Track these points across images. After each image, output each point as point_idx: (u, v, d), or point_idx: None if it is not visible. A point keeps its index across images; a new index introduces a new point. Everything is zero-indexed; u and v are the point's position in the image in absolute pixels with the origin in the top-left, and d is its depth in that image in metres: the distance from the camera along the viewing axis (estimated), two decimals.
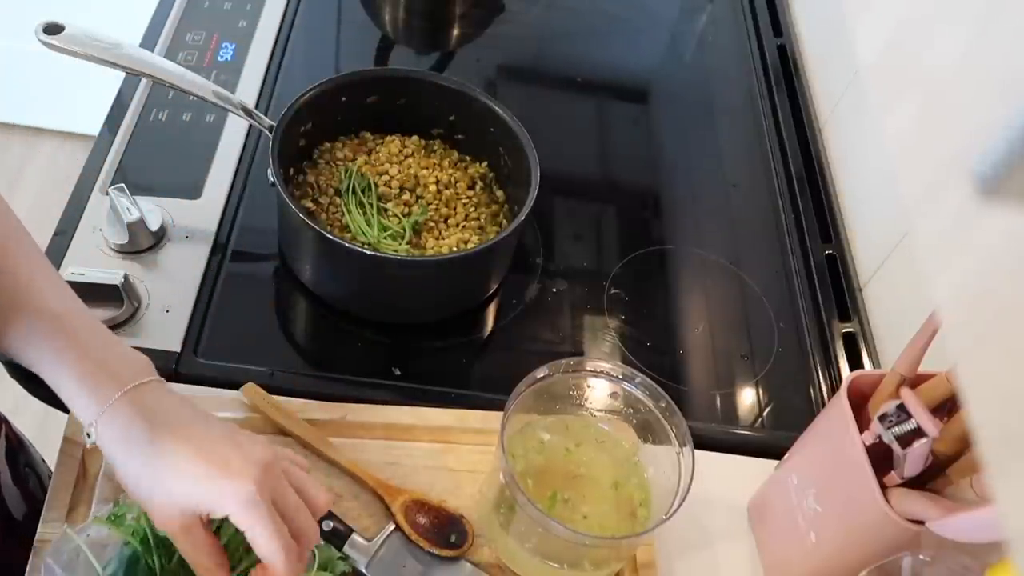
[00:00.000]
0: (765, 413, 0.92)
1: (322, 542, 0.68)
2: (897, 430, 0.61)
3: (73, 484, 0.73)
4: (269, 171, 0.84)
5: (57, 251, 0.88)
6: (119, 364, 0.59)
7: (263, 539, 0.55)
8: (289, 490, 0.58)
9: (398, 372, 0.86)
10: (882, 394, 0.66)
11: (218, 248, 0.91)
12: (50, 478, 0.73)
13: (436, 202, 0.94)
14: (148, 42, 1.09)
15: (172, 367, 0.82)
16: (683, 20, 1.37)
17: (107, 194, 0.88)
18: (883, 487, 0.62)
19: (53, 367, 0.58)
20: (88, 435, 0.57)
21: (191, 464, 0.55)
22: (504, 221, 0.95)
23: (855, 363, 0.95)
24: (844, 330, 0.98)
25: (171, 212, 0.92)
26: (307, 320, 0.92)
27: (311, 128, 0.92)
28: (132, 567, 0.61)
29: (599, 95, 1.22)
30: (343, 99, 0.93)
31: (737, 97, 1.24)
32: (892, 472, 0.62)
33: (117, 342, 0.61)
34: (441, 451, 0.80)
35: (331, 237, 0.80)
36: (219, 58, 1.08)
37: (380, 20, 1.27)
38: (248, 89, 1.06)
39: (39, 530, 0.70)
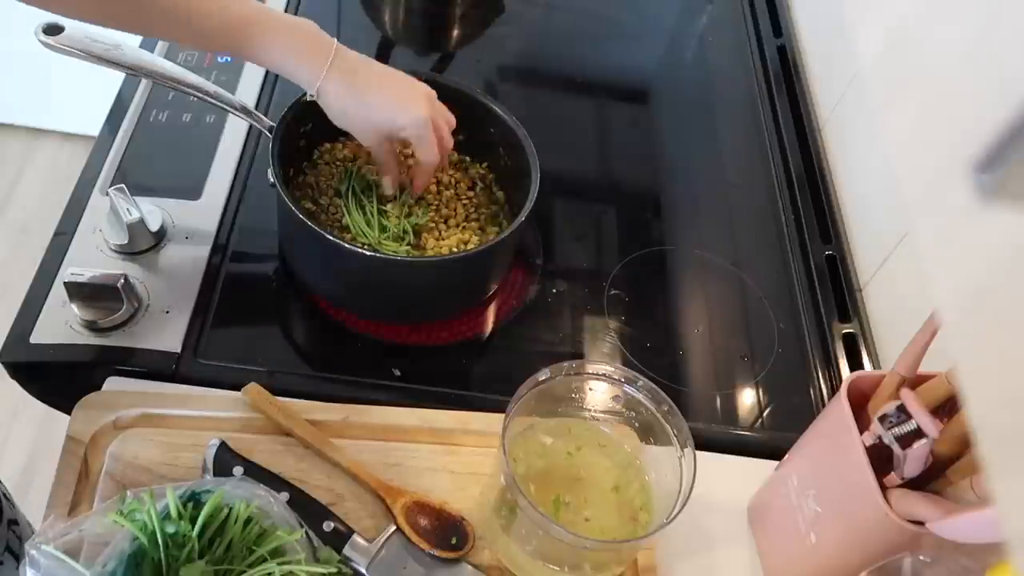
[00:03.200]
0: (765, 414, 0.91)
1: (287, 512, 0.67)
2: (897, 431, 0.61)
3: (75, 483, 0.73)
4: (269, 172, 0.84)
5: (57, 252, 0.88)
6: (316, 38, 0.80)
7: (428, 147, 0.83)
8: (442, 118, 0.86)
9: (398, 373, 0.86)
10: (882, 395, 0.66)
11: (218, 249, 0.91)
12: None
13: (436, 203, 0.94)
14: (148, 42, 1.09)
15: (172, 367, 0.82)
16: (683, 21, 1.37)
17: (107, 195, 0.88)
18: (883, 488, 0.62)
19: (277, 55, 0.79)
20: (312, 96, 0.81)
21: (386, 99, 0.82)
22: (504, 222, 0.95)
23: (855, 364, 0.95)
24: (844, 331, 0.98)
25: (171, 213, 0.92)
26: (307, 321, 0.92)
27: (311, 129, 0.92)
28: (133, 565, 0.61)
29: (599, 96, 1.22)
30: None
31: (737, 97, 1.24)
32: (892, 473, 0.62)
33: (302, 21, 0.81)
34: (443, 453, 0.80)
35: (331, 238, 0.80)
36: (219, 58, 1.08)
37: (380, 21, 1.27)
38: (248, 89, 1.06)
39: (40, 529, 0.70)
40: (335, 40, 0.81)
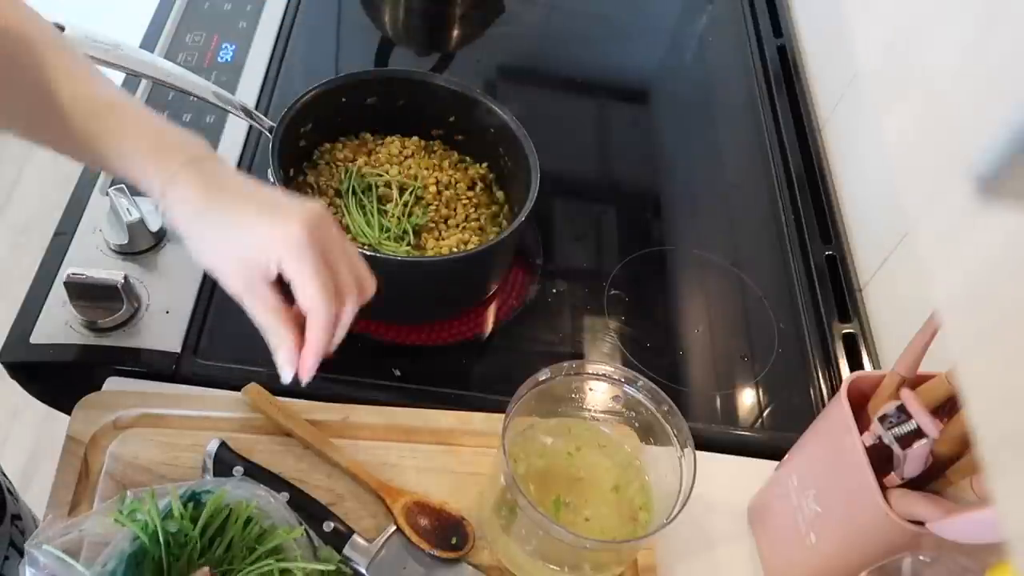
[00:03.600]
0: (765, 414, 0.91)
1: (287, 513, 0.67)
2: (897, 431, 0.61)
3: (75, 483, 0.73)
4: (269, 172, 0.84)
5: (57, 252, 0.88)
6: (182, 139, 0.63)
7: (305, 284, 0.58)
8: (339, 246, 0.61)
9: (398, 373, 0.86)
10: (882, 395, 0.66)
11: None
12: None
13: (436, 203, 0.94)
14: (148, 43, 1.09)
15: (172, 367, 0.82)
16: (683, 21, 1.37)
17: (107, 195, 0.88)
18: (883, 488, 0.62)
19: (121, 145, 0.61)
20: (157, 208, 0.62)
21: (246, 214, 0.59)
22: (504, 222, 0.95)
23: (855, 364, 0.95)
24: (844, 331, 0.98)
25: None
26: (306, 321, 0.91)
27: (311, 129, 0.92)
28: (133, 565, 0.61)
29: (599, 96, 1.22)
30: (343, 100, 0.93)
31: (737, 97, 1.24)
32: (892, 473, 0.62)
33: (171, 125, 0.65)
34: (443, 453, 0.80)
35: None
36: (219, 59, 1.08)
37: (380, 21, 1.27)
38: (248, 90, 1.06)
39: (40, 527, 0.70)
40: (214, 153, 0.64)
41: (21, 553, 0.91)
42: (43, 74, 0.60)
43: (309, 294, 0.58)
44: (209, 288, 0.88)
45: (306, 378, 0.62)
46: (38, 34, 0.62)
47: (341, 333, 0.62)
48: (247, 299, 0.60)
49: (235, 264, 0.60)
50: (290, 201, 0.61)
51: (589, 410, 0.77)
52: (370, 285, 0.63)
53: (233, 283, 0.60)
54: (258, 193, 0.61)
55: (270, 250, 0.58)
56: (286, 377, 0.62)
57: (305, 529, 0.67)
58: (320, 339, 0.60)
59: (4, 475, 0.95)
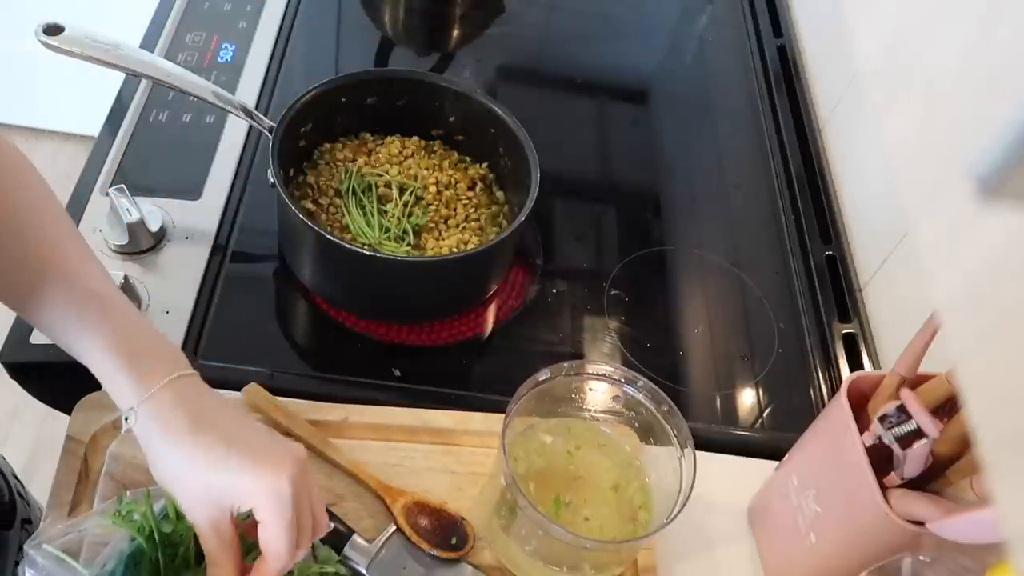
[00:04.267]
0: (765, 414, 0.91)
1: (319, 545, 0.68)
2: (897, 431, 0.61)
3: (75, 483, 0.73)
4: (269, 172, 0.84)
5: None
6: (161, 353, 0.59)
7: (277, 536, 0.56)
8: (310, 493, 0.59)
9: (398, 373, 0.86)
10: (882, 395, 0.66)
11: (218, 249, 0.91)
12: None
13: (436, 203, 0.94)
14: (148, 43, 1.09)
15: None
16: (683, 21, 1.37)
17: (107, 195, 0.88)
18: (883, 488, 0.62)
19: (94, 348, 0.57)
20: (126, 419, 0.57)
21: (230, 459, 0.56)
22: (504, 222, 0.95)
23: (855, 364, 0.95)
24: (844, 331, 0.98)
25: (171, 213, 0.92)
26: (307, 321, 0.92)
27: (311, 129, 0.92)
28: (131, 566, 0.61)
29: (599, 96, 1.22)
30: (343, 100, 0.93)
31: (737, 98, 1.24)
32: (892, 473, 0.62)
33: (156, 331, 0.61)
34: (443, 453, 0.80)
35: (331, 238, 0.80)
36: (219, 59, 1.08)
37: (380, 21, 1.27)
38: (248, 90, 1.06)
39: (40, 528, 0.70)
40: (195, 372, 0.60)
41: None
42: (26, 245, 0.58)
43: (277, 546, 0.56)
44: (209, 288, 0.88)
45: None
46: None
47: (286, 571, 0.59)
48: (207, 533, 0.57)
49: (206, 501, 0.56)
50: (273, 445, 0.58)
51: (589, 410, 0.77)
52: (323, 528, 0.61)
53: (196, 516, 0.57)
54: (242, 432, 0.58)
55: (250, 499, 0.56)
56: None
57: None
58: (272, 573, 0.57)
59: (16, 478, 0.94)
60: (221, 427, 0.57)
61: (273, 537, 0.56)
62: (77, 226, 0.89)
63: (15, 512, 0.89)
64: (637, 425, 0.75)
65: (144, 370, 0.57)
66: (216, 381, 0.81)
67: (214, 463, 0.56)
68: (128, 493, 0.64)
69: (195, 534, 0.62)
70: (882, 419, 0.62)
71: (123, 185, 0.88)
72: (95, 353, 0.58)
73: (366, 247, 0.86)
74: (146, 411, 0.56)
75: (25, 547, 0.62)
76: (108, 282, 0.62)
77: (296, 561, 0.59)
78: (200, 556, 0.63)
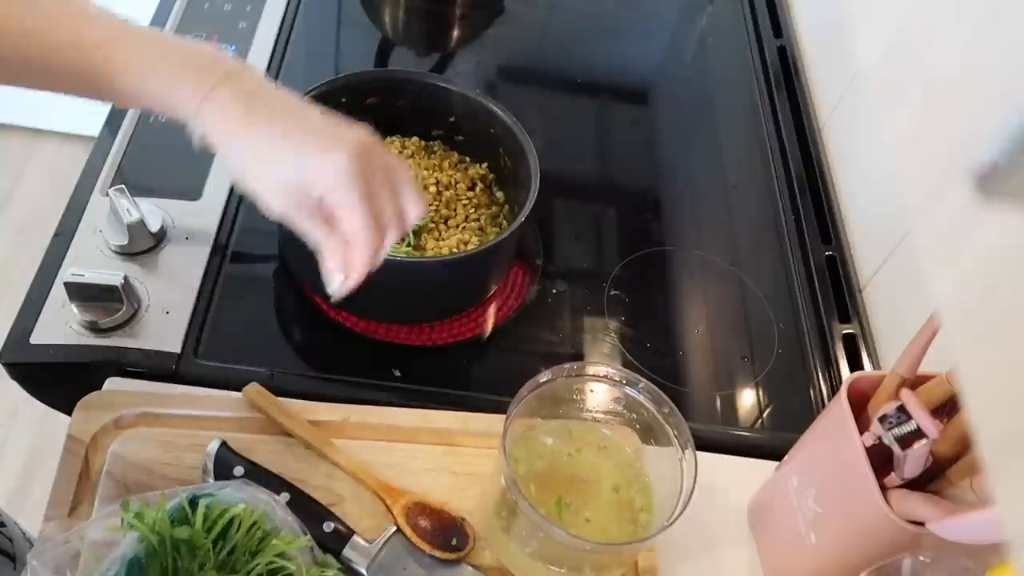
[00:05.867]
0: (765, 414, 0.91)
1: (289, 517, 0.67)
2: (897, 431, 0.61)
3: (76, 483, 0.73)
4: None
5: (57, 252, 0.88)
6: (211, 56, 0.59)
7: (352, 216, 0.57)
8: (384, 175, 0.59)
9: (398, 373, 0.86)
10: (882, 395, 0.66)
11: (218, 249, 0.91)
12: None
13: (436, 203, 0.94)
14: None
15: (172, 368, 0.82)
16: (683, 21, 1.37)
17: (107, 195, 0.88)
18: (883, 488, 0.62)
19: (148, 70, 0.57)
20: (193, 130, 0.58)
21: (293, 140, 0.56)
22: (504, 222, 0.95)
23: (855, 364, 0.95)
24: (844, 331, 0.98)
25: (171, 213, 0.92)
26: (307, 321, 0.92)
27: None
28: (136, 570, 0.61)
29: (599, 96, 1.22)
30: (343, 100, 0.93)
31: (737, 98, 1.24)
32: (892, 473, 0.62)
33: (200, 43, 0.61)
34: (443, 454, 0.80)
35: None
36: None
37: (380, 21, 1.27)
38: None
39: (40, 528, 0.70)
40: (243, 63, 0.60)
41: (11, 558, 0.90)
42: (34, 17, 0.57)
43: (353, 226, 0.57)
44: (209, 288, 0.88)
45: (344, 293, 0.61)
46: None
47: (380, 259, 0.60)
48: (292, 219, 0.59)
49: (279, 188, 0.57)
50: (337, 126, 0.59)
51: (590, 411, 0.77)
52: (415, 212, 0.61)
53: (275, 206, 0.58)
54: (304, 113, 0.58)
55: (317, 179, 0.56)
56: (333, 286, 0.61)
57: (308, 538, 0.67)
58: (362, 265, 0.59)
59: None
60: (285, 113, 0.58)
61: (347, 217, 0.56)
62: (77, 227, 0.90)
63: None
64: (638, 426, 0.75)
65: (199, 73, 0.57)
66: (216, 382, 0.82)
67: (278, 147, 0.56)
68: (133, 498, 0.64)
69: (210, 537, 0.62)
70: (882, 419, 0.62)
71: (123, 185, 0.88)
72: (155, 79, 0.58)
73: None
74: (208, 111, 0.57)
75: (28, 557, 0.62)
76: (136, 24, 0.60)
77: (384, 249, 0.59)
78: (206, 558, 0.63)
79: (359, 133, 0.59)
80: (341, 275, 0.60)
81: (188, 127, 0.58)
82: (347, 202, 0.56)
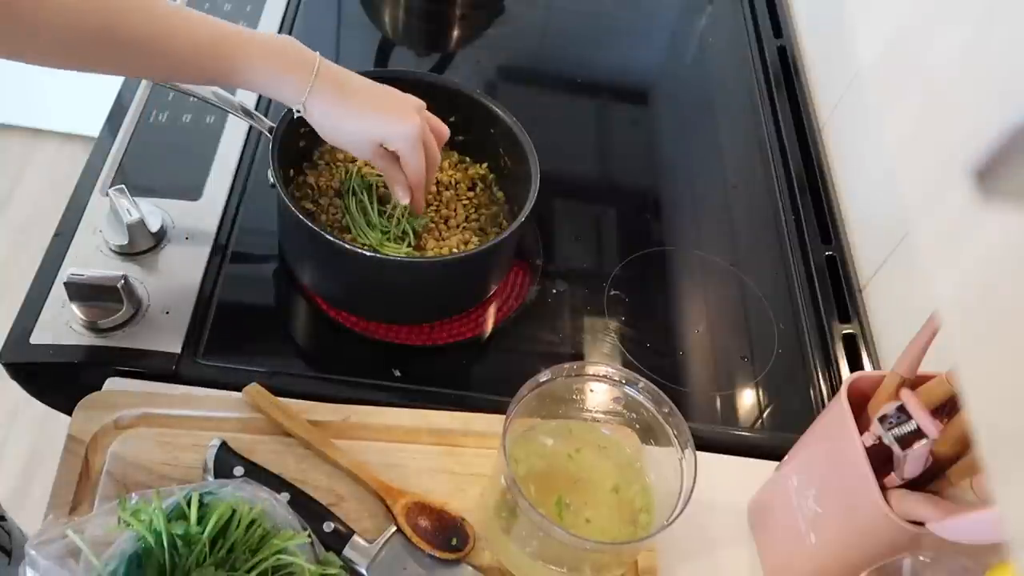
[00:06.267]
0: (765, 414, 0.91)
1: (290, 515, 0.68)
2: (897, 431, 0.61)
3: (76, 482, 0.73)
4: (269, 172, 0.84)
5: (57, 252, 0.88)
6: (297, 52, 0.77)
7: (415, 165, 0.82)
8: (432, 131, 0.83)
9: (398, 373, 0.86)
10: (882, 395, 0.66)
11: (218, 249, 0.91)
12: None
13: (436, 203, 0.94)
14: None
15: (172, 368, 0.82)
16: (683, 21, 1.37)
17: (107, 195, 0.88)
18: (883, 488, 0.62)
19: (256, 74, 0.75)
20: (297, 111, 0.78)
21: (375, 111, 0.80)
22: (504, 222, 0.94)
23: (855, 364, 0.95)
24: (844, 331, 0.98)
25: (171, 213, 0.92)
26: (307, 321, 0.92)
27: (311, 129, 0.92)
28: (135, 566, 0.61)
29: (599, 96, 1.22)
30: None
31: (737, 98, 1.24)
32: (892, 473, 0.62)
33: (281, 36, 0.78)
34: (444, 454, 0.80)
35: (331, 238, 0.80)
36: None
37: (380, 21, 1.27)
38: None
39: (40, 527, 0.70)
40: (317, 53, 0.78)
41: (7, 553, 0.90)
42: (150, 28, 0.70)
43: (415, 170, 0.82)
44: (209, 288, 0.88)
45: (422, 205, 0.88)
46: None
47: (430, 183, 0.89)
48: (374, 160, 0.83)
49: (366, 143, 0.81)
50: (401, 100, 0.82)
51: (590, 411, 0.77)
52: (446, 132, 0.86)
53: (362, 152, 0.82)
54: (375, 89, 0.81)
55: (394, 138, 0.80)
56: (404, 199, 0.85)
57: (308, 532, 0.67)
58: (420, 191, 0.85)
59: None
60: (361, 92, 0.80)
61: (412, 166, 0.82)
62: (77, 227, 0.90)
63: None
64: (638, 426, 0.75)
65: (299, 71, 0.76)
66: (216, 382, 0.82)
67: (366, 116, 0.79)
68: (133, 496, 0.64)
69: (207, 535, 0.63)
70: (882, 419, 0.62)
71: (123, 185, 0.88)
72: (256, 84, 0.76)
73: (366, 247, 0.86)
74: (311, 98, 0.77)
75: (26, 547, 0.62)
76: (206, 16, 0.75)
77: (432, 177, 0.86)
78: (206, 556, 0.63)
79: (418, 103, 0.83)
80: (407, 197, 0.85)
81: (292, 111, 0.79)
82: (411, 155, 0.81)
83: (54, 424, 0.78)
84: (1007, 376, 0.25)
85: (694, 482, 0.68)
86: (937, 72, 0.28)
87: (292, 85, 0.77)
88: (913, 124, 0.29)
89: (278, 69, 0.76)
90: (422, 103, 0.83)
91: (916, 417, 0.60)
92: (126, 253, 0.88)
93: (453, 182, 0.96)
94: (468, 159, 0.99)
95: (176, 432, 0.77)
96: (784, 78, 1.23)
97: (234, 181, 0.97)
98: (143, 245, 0.88)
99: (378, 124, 0.80)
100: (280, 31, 1.14)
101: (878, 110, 0.31)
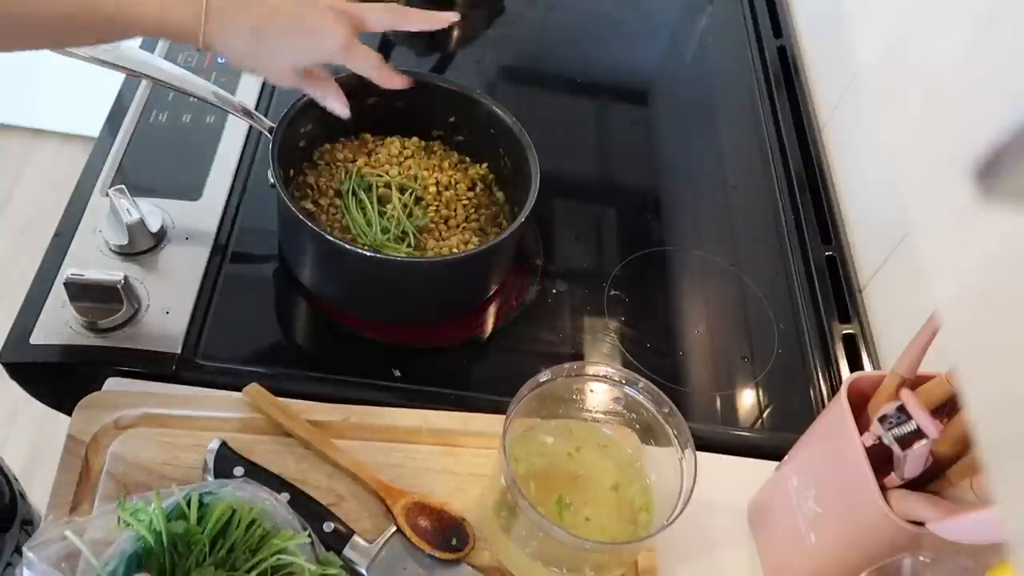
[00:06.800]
0: (765, 414, 0.91)
1: (290, 515, 0.68)
2: (897, 431, 0.61)
3: (76, 482, 0.73)
4: (269, 172, 0.84)
5: (57, 252, 0.88)
6: None
7: (363, 67, 0.77)
8: (362, 15, 0.76)
9: (398, 373, 0.86)
10: (882, 395, 0.66)
11: (218, 249, 0.91)
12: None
13: (436, 204, 0.94)
14: (148, 43, 1.09)
15: (172, 368, 0.82)
16: (683, 21, 1.37)
17: (107, 195, 0.88)
18: (883, 488, 0.62)
19: (143, 9, 0.67)
20: (200, 46, 0.70)
21: (293, 32, 0.72)
22: (504, 222, 0.94)
23: (855, 364, 0.95)
24: (844, 331, 0.98)
25: (171, 213, 0.92)
26: (307, 321, 0.92)
27: (311, 129, 0.92)
28: (135, 566, 0.61)
29: (599, 96, 1.22)
30: None
31: (737, 98, 1.24)
32: (892, 474, 0.62)
33: None
34: (444, 454, 0.80)
35: (331, 238, 0.80)
36: (219, 59, 1.08)
37: None
38: (248, 90, 1.06)
39: (40, 528, 0.70)
40: None
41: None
42: None
43: (364, 69, 0.77)
44: (209, 288, 0.88)
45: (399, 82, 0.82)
46: None
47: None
48: (303, 85, 0.78)
49: (290, 72, 0.74)
50: (323, 15, 0.73)
51: (590, 411, 0.77)
52: (374, 17, 0.79)
53: (286, 80, 0.75)
54: (292, 9, 0.72)
55: (325, 53, 0.74)
56: (343, 112, 0.81)
57: (308, 532, 0.67)
58: (381, 68, 0.79)
59: (16, 479, 0.94)
60: (268, 11, 0.71)
61: (363, 68, 0.77)
62: (77, 227, 0.90)
63: (15, 513, 0.89)
64: (638, 426, 0.75)
65: (185, 4, 0.68)
66: (216, 382, 0.82)
67: (281, 47, 0.72)
68: (133, 497, 0.64)
69: (207, 535, 0.62)
70: (882, 419, 0.62)
71: (123, 185, 0.88)
72: (140, 21, 0.67)
73: (366, 248, 0.86)
74: (206, 37, 0.69)
75: (24, 548, 0.62)
76: None
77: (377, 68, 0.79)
78: (206, 556, 0.63)
79: (339, 9, 0.75)
80: (346, 108, 0.81)
81: (193, 44, 0.70)
82: (350, 60, 0.75)
83: (54, 424, 0.78)
84: (1007, 376, 0.25)
85: (694, 482, 0.68)
86: (937, 72, 0.28)
87: (183, 14, 0.68)
88: (913, 124, 0.29)
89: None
90: (349, 6, 0.76)
91: (916, 417, 0.60)
92: (126, 253, 0.88)
93: (453, 182, 0.96)
94: (468, 159, 0.99)
95: (176, 432, 0.77)
96: (784, 78, 1.23)
97: (234, 181, 0.97)
98: (143, 245, 0.88)
99: (299, 50, 0.73)
100: None
101: (878, 110, 0.31)
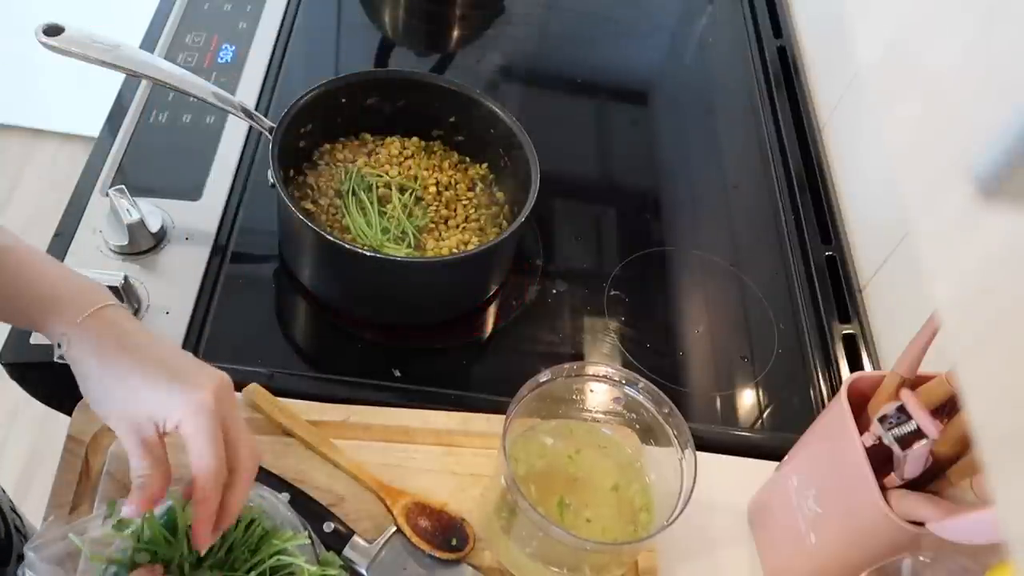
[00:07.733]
0: (765, 414, 0.91)
1: (290, 513, 0.67)
2: (897, 431, 0.61)
3: (76, 482, 0.73)
4: (269, 172, 0.84)
5: (57, 252, 0.88)
6: (85, 287, 0.63)
7: (200, 448, 0.57)
8: (239, 421, 0.61)
9: (398, 373, 0.86)
10: (882, 395, 0.66)
11: (218, 249, 0.91)
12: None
13: (436, 204, 0.94)
14: (148, 43, 1.09)
15: None
16: (683, 21, 1.37)
17: (107, 195, 0.88)
18: (883, 488, 0.62)
19: (24, 292, 0.62)
20: (59, 346, 0.61)
21: (159, 375, 0.59)
22: (504, 222, 0.95)
23: (855, 364, 0.95)
24: (844, 331, 0.98)
25: (171, 213, 0.92)
26: (307, 321, 0.92)
27: (311, 130, 0.92)
28: (135, 567, 0.61)
29: (599, 96, 1.22)
30: (343, 101, 0.93)
31: (737, 98, 1.24)
32: (892, 474, 0.62)
33: (77, 273, 0.65)
34: (444, 454, 0.80)
35: (331, 239, 0.80)
36: (219, 59, 1.08)
37: (380, 21, 1.27)
38: (248, 91, 1.06)
39: (40, 529, 0.70)
40: (117, 302, 0.64)
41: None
42: None
43: (199, 458, 0.58)
44: (209, 288, 0.88)
45: (205, 546, 0.60)
46: None
47: (233, 513, 0.60)
48: (135, 448, 0.59)
49: (134, 418, 0.59)
50: (198, 366, 0.62)
51: (590, 411, 0.77)
52: (258, 460, 0.63)
53: (125, 433, 0.59)
54: (168, 354, 0.61)
55: (175, 413, 0.58)
56: (129, 511, 0.59)
57: (308, 532, 0.67)
58: (209, 503, 0.58)
59: (14, 511, 0.94)
60: (148, 349, 0.60)
61: (198, 452, 0.58)
62: (77, 227, 0.90)
63: (11, 548, 0.88)
64: (638, 426, 0.75)
65: (72, 302, 0.61)
66: None
67: (143, 381, 0.59)
68: (121, 502, 0.64)
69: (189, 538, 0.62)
70: (882, 419, 0.62)
71: (123, 186, 0.88)
72: (32, 300, 0.62)
73: (366, 248, 0.86)
74: (76, 338, 0.60)
75: (25, 548, 0.61)
76: (17, 240, 0.64)
77: (238, 500, 0.59)
78: (205, 556, 0.63)
79: (220, 374, 0.62)
80: (138, 508, 0.59)
81: (55, 345, 0.62)
82: (199, 436, 0.58)
83: (54, 424, 0.78)
84: (1007, 376, 0.25)
85: (694, 482, 0.68)
86: (937, 72, 0.28)
87: (60, 314, 0.61)
88: (913, 124, 0.29)
89: (53, 292, 0.62)
90: (228, 382, 0.62)
91: (916, 417, 0.60)
92: (126, 253, 0.88)
93: (453, 182, 0.96)
94: (468, 159, 0.99)
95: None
96: (784, 78, 1.23)
97: (234, 181, 0.97)
98: (143, 245, 0.88)
99: (151, 393, 0.58)
100: (280, 31, 1.14)
101: (878, 110, 0.31)
